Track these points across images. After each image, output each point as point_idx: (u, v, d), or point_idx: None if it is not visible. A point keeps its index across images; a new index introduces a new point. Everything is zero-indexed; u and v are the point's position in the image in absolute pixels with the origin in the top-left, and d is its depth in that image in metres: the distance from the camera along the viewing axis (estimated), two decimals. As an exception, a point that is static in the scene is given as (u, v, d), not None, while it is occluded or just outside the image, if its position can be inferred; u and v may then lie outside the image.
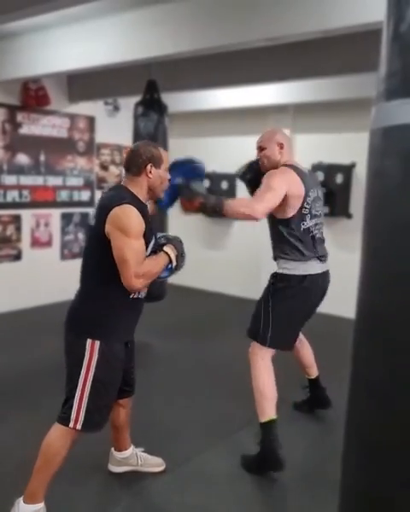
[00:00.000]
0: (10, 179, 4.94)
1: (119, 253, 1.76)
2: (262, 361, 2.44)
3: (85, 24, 3.50)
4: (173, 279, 4.90)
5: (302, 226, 2.37)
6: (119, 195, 1.85)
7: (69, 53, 3.67)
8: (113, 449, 2.34)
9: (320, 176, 4.82)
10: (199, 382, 3.42)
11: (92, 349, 1.84)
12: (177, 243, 1.97)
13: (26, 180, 5.07)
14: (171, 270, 1.94)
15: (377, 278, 1.02)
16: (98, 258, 1.86)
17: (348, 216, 4.99)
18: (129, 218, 1.77)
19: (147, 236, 1.84)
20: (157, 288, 4.18)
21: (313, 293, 2.46)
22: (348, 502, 1.12)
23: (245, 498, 2.21)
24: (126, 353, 1.99)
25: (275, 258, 2.51)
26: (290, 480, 2.35)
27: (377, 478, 1.01)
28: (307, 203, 2.37)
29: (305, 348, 2.89)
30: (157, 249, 1.94)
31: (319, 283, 2.47)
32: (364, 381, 1.04)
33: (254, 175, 2.55)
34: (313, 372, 2.94)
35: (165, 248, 1.92)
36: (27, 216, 5.11)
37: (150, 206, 2.08)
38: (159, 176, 1.91)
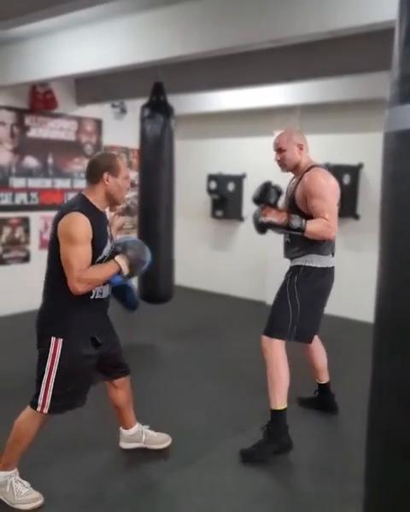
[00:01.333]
0: (19, 182, 4.97)
1: (64, 258, 1.94)
2: (279, 352, 2.53)
3: (92, 27, 3.52)
4: (179, 280, 4.94)
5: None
6: (70, 204, 2.05)
7: (76, 56, 3.69)
8: (121, 427, 2.50)
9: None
10: (205, 383, 3.42)
11: (56, 346, 2.01)
12: (131, 251, 2.07)
13: (35, 183, 5.10)
14: (123, 276, 2.06)
15: (395, 282, 1.02)
16: (56, 262, 2.00)
17: (356, 217, 4.98)
18: (75, 226, 1.92)
19: (99, 242, 1.99)
20: (164, 290, 4.20)
21: (330, 285, 2.59)
22: (374, 503, 1.13)
23: (252, 498, 2.21)
24: (101, 340, 2.12)
25: (296, 255, 2.55)
26: (298, 479, 2.37)
27: (404, 479, 1.01)
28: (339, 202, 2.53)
29: (320, 353, 2.91)
30: (111, 256, 2.06)
31: (333, 276, 2.62)
32: (386, 383, 1.05)
33: (275, 197, 2.62)
34: (325, 377, 2.97)
35: (116, 257, 2.03)
36: (36, 218, 5.14)
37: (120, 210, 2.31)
38: (116, 184, 2.05)
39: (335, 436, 2.79)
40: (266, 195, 2.60)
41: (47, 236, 5.15)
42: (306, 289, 2.51)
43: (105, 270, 2.01)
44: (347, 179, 4.89)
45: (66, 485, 2.22)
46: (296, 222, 2.39)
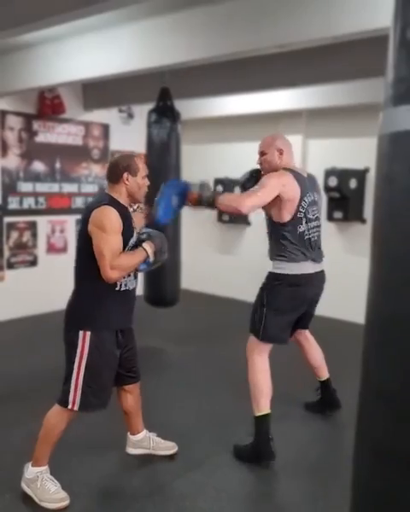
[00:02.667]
0: (26, 186, 5.02)
1: (96, 247, 2.01)
2: (259, 356, 2.57)
3: (99, 33, 3.56)
4: (186, 285, 4.95)
5: (298, 230, 2.47)
6: (98, 200, 2.15)
7: (84, 62, 3.72)
8: (128, 433, 2.52)
9: (334, 181, 4.80)
10: (211, 387, 3.42)
11: (84, 339, 2.07)
12: (157, 240, 2.16)
13: (42, 187, 5.14)
14: (149, 263, 2.13)
15: (386, 284, 1.02)
16: (84, 256, 2.09)
17: (362, 221, 4.96)
18: (106, 217, 2.01)
19: (126, 234, 2.07)
20: (170, 294, 4.20)
21: (304, 292, 2.55)
22: (360, 506, 1.12)
23: (257, 501, 2.22)
24: (122, 341, 2.19)
25: (271, 259, 2.61)
26: (303, 483, 2.36)
27: (390, 483, 1.01)
28: (303, 207, 2.47)
29: (314, 350, 2.94)
30: (137, 244, 2.15)
31: (314, 283, 2.59)
32: (376, 387, 1.04)
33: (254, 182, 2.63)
34: (323, 374, 2.98)
35: (143, 244, 2.12)
36: (43, 222, 5.19)
37: (145, 210, 2.42)
38: (136, 183, 2.15)
39: (340, 440, 2.78)
40: (249, 181, 2.63)
41: (54, 240, 5.30)
42: (275, 295, 2.53)
43: (135, 257, 2.09)
44: (353, 183, 4.89)
45: (73, 486, 2.22)
46: (207, 194, 2.41)
